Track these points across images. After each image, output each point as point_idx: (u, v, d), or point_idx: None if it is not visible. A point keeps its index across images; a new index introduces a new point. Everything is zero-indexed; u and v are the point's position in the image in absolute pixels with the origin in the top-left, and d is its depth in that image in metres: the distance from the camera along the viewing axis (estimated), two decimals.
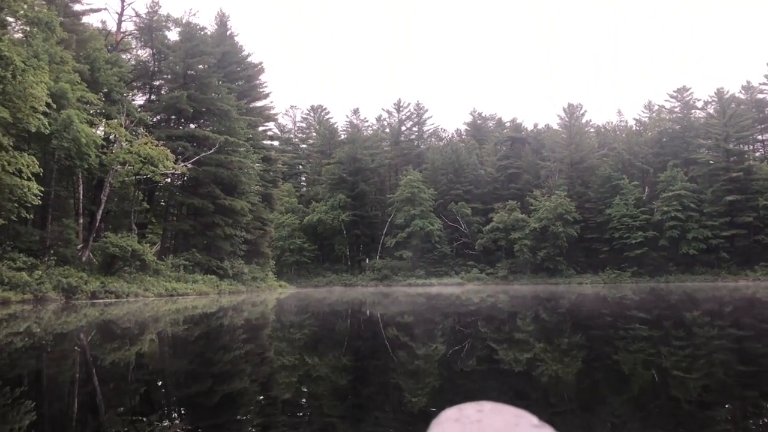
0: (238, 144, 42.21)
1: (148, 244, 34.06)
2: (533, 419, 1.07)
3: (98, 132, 30.72)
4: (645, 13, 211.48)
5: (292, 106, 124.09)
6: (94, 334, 12.14)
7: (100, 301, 25.12)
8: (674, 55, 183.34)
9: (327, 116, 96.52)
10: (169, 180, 40.17)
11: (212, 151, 39.28)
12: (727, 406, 4.98)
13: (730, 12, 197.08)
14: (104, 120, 30.79)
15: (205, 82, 42.24)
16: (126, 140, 31.85)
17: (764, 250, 61.33)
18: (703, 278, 60.01)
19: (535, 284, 61.00)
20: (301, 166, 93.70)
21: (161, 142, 33.59)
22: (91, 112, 29.94)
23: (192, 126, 43.32)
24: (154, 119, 43.05)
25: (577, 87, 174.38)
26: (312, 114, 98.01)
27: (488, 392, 5.52)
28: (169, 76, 44.39)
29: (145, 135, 32.96)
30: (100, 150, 28.80)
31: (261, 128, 56.68)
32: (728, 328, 12.25)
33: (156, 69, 44.48)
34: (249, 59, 55.12)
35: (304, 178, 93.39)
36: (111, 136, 33.03)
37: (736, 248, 63.13)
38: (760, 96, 74.35)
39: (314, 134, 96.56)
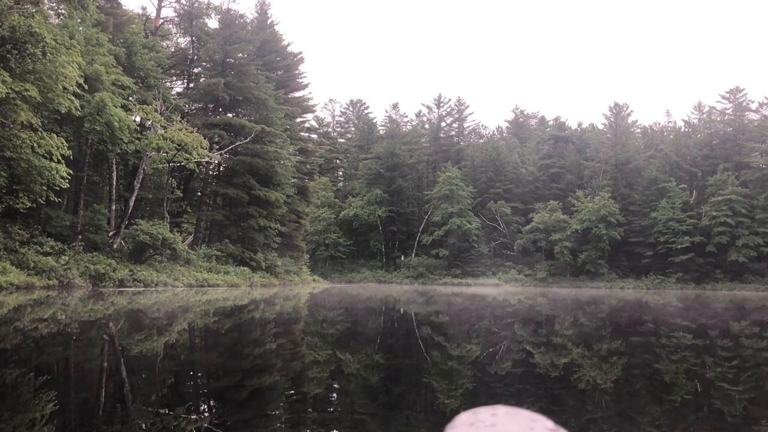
0: (274, 134, 42.06)
1: (180, 234, 34.02)
2: (548, 423, 1.07)
3: (134, 118, 30.64)
4: (695, 11, 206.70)
5: (331, 100, 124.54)
6: (122, 323, 12.13)
7: (128, 289, 25.01)
8: (726, 55, 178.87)
9: (366, 111, 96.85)
10: (203, 168, 40.42)
11: (248, 140, 39.22)
12: None
13: None
14: (138, 105, 30.49)
15: (243, 70, 42.08)
16: (161, 126, 31.82)
17: None
18: (752, 287, 58.51)
19: (575, 288, 60.30)
20: (338, 161, 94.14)
21: (196, 129, 33.55)
22: (126, 96, 29.88)
23: (229, 115, 43.39)
24: (192, 107, 43.42)
25: (624, 86, 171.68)
26: (351, 108, 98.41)
27: (522, 396, 5.48)
28: (208, 64, 44.55)
29: (181, 122, 32.90)
30: (134, 135, 28.83)
31: (299, 119, 56.61)
32: None
33: (195, 56, 44.71)
34: (289, 48, 55.24)
35: (341, 173, 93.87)
36: (146, 122, 33.01)
37: None
38: None
39: (353, 129, 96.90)
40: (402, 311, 20.29)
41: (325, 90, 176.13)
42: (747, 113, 74.64)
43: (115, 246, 29.96)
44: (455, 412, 4.38)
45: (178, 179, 39.41)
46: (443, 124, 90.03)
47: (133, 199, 31.85)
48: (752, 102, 75.61)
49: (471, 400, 5.26)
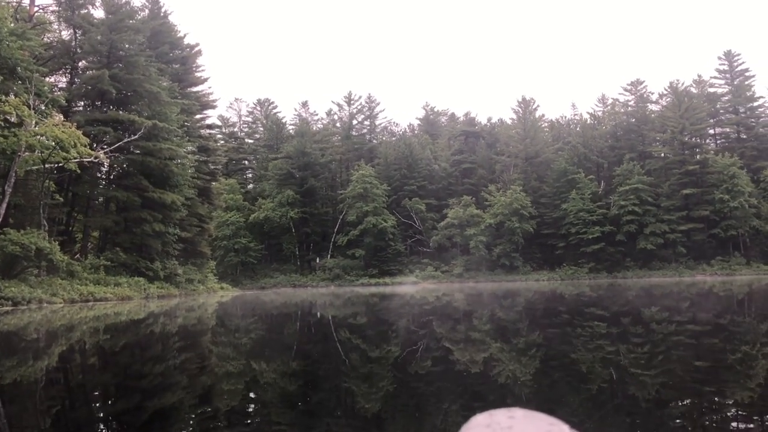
0: (169, 130, 39.21)
1: (59, 243, 30.40)
2: (565, 427, 1.08)
3: None
4: (596, 6, 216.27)
5: (236, 99, 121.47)
6: None
7: None
8: (625, 49, 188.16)
9: (275, 110, 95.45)
10: (91, 170, 37.13)
11: (137, 136, 36.37)
12: (685, 402, 5.11)
13: (678, 5, 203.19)
14: (3, 98, 26.90)
15: (132, 62, 38.93)
16: (34, 122, 28.58)
17: (720, 245, 63.61)
18: (661, 273, 61.74)
19: (491, 282, 61.75)
20: (246, 162, 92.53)
21: (77, 126, 30.47)
22: None
23: (117, 111, 39.59)
24: (75, 103, 40.23)
25: (530, 81, 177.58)
26: (258, 108, 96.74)
27: (444, 394, 5.54)
28: (92, 57, 40.84)
29: (59, 119, 29.84)
30: (1, 134, 25.94)
31: (198, 116, 54.34)
32: (686, 324, 12.63)
33: (78, 49, 40.91)
34: (185, 41, 53.06)
35: (250, 174, 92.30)
36: (10, 118, 29.19)
37: (693, 242, 65.07)
38: (711, 90, 77.03)
39: (261, 129, 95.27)
40: (319, 315, 20.20)
41: (230, 89, 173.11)
42: (648, 104, 78.94)
43: None
44: (377, 416, 4.37)
45: (58, 183, 35.97)
46: (355, 121, 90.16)
47: (4, 206, 28.41)
48: (652, 93, 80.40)
49: (392, 402, 5.28)
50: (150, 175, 38.46)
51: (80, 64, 41.87)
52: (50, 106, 31.92)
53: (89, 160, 31.53)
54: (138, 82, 38.43)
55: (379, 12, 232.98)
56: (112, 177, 41.33)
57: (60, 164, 30.13)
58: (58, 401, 5.89)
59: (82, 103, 41.05)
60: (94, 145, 33.85)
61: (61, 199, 35.53)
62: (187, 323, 17.12)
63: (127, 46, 40.03)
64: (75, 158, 29.73)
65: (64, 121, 29.93)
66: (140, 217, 37.33)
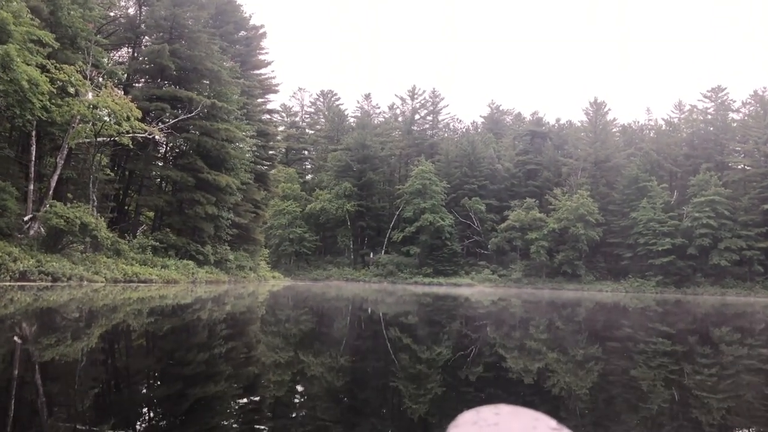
0: (228, 111, 39.20)
1: (104, 219, 29.90)
2: (551, 422, 1.10)
3: (54, 81, 26.59)
4: (675, 10, 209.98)
5: (300, 89, 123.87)
6: (28, 324, 10.58)
7: (32, 284, 21.71)
8: (705, 55, 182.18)
9: (337, 102, 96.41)
10: (146, 146, 36.87)
11: (193, 114, 36.35)
12: (752, 430, 4.92)
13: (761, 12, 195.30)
14: (58, 65, 26.62)
15: (194, 38, 38.58)
16: (89, 93, 28.51)
17: None
18: (734, 292, 59.76)
19: (550, 289, 60.92)
20: (306, 152, 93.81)
21: (132, 100, 30.54)
22: (46, 55, 26.16)
23: (176, 88, 39.50)
24: (137, 80, 40.81)
25: (602, 84, 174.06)
26: (321, 99, 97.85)
27: (494, 402, 5.48)
28: (154, 32, 41.03)
29: (112, 88, 29.84)
30: (52, 101, 25.67)
31: (259, 100, 54.55)
32: (759, 347, 12.17)
33: (142, 24, 41.17)
34: (250, 22, 53.08)
35: (309, 165, 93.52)
36: (68, 88, 28.56)
37: None
38: None
39: (322, 120, 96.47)
40: (370, 311, 20.28)
41: (295, 79, 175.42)
42: (729, 113, 76.30)
43: (32, 233, 26.58)
44: (423, 419, 4.35)
45: (113, 159, 36.88)
46: (417, 116, 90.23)
47: (55, 178, 28.31)
48: (734, 101, 77.46)
49: (439, 406, 5.25)
50: (206, 156, 38.34)
51: (144, 39, 42.08)
52: (107, 78, 31.87)
53: (143, 135, 31.46)
54: (199, 59, 38.27)
55: (449, 8, 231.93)
56: (168, 156, 41.60)
57: (113, 138, 29.84)
58: (96, 383, 5.83)
59: (143, 80, 41.28)
60: (151, 122, 33.88)
61: (112, 174, 35.75)
62: (235, 311, 17.14)
63: (190, 22, 39.77)
64: (128, 132, 29.51)
65: (117, 91, 29.88)
66: (193, 198, 37.22)
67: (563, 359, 8.79)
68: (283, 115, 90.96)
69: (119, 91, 30.87)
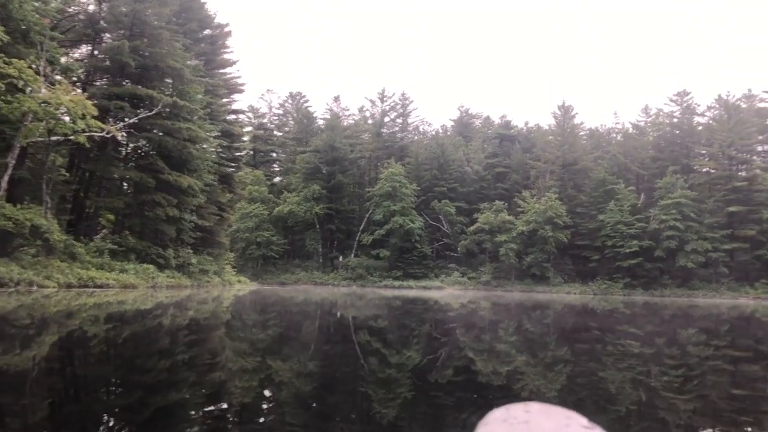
0: (191, 110, 38.11)
1: (56, 221, 28.93)
2: (583, 420, 1.10)
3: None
4: (642, 15, 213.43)
5: (268, 90, 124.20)
6: None
7: None
8: (671, 60, 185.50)
9: (306, 104, 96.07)
10: (105, 146, 35.80)
11: (152, 113, 35.15)
12: (717, 430, 5.01)
13: (728, 18, 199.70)
14: (7, 60, 25.45)
15: (156, 34, 37.52)
16: (42, 89, 27.36)
17: (766, 267, 62.14)
18: (700, 294, 60.71)
19: (519, 291, 61.42)
20: (274, 154, 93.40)
21: (93, 100, 29.29)
22: None
23: (136, 86, 37.91)
24: (97, 78, 39.39)
25: (570, 88, 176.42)
26: (290, 101, 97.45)
27: (464, 406, 5.51)
28: (115, 30, 39.50)
29: (68, 86, 28.71)
30: (1, 97, 24.90)
31: (225, 100, 53.29)
32: (724, 348, 12.40)
33: (100, 19, 39.46)
34: (215, 20, 52.01)
35: (277, 167, 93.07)
36: (18, 83, 27.36)
37: (736, 263, 64.00)
38: (761, 105, 74.91)
39: (291, 122, 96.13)
40: (339, 315, 20.24)
41: (263, 81, 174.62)
42: (694, 117, 77.77)
43: None
44: (392, 423, 4.34)
45: (71, 160, 35.68)
46: (387, 119, 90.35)
47: (6, 178, 26.93)
48: (698, 105, 79.19)
49: (409, 410, 5.26)
50: (168, 157, 37.31)
51: (104, 36, 40.66)
52: (64, 75, 30.83)
53: (100, 134, 30.39)
54: (161, 56, 37.32)
55: (417, 12, 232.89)
56: (130, 157, 40.41)
57: (68, 136, 28.73)
58: (50, 394, 5.60)
59: (105, 78, 39.89)
60: (111, 121, 32.87)
61: (68, 175, 34.64)
62: (199, 316, 16.69)
63: (152, 18, 38.67)
64: (84, 131, 28.44)
65: (71, 88, 28.76)
66: (154, 200, 36.22)
67: (532, 362, 8.86)
68: (251, 116, 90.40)
69: (78, 90, 29.91)
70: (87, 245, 31.47)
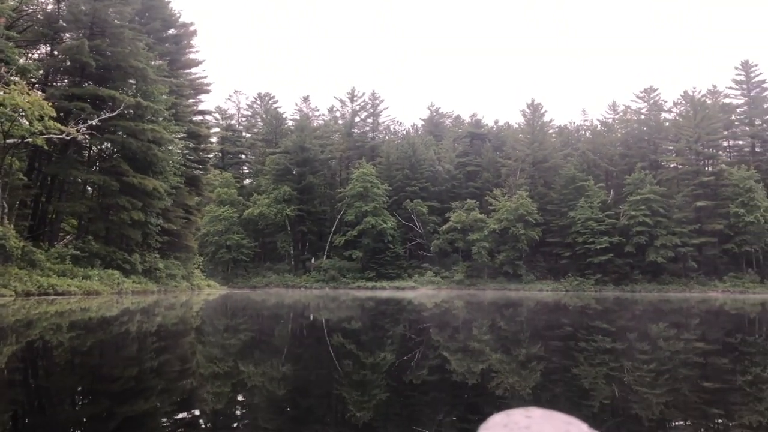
0: (154, 111, 37.29)
1: (17, 227, 28.44)
2: (583, 426, 1.12)
3: None
4: (608, 12, 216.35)
5: (236, 91, 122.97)
6: None
7: None
8: (638, 56, 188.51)
9: (275, 105, 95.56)
10: (67, 149, 35.19)
11: (114, 114, 34.24)
12: (690, 423, 5.09)
13: (694, 13, 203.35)
14: None
15: (117, 33, 36.58)
16: None
17: (733, 261, 63.37)
18: (670, 288, 61.65)
19: (492, 290, 61.74)
20: (243, 156, 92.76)
21: (52, 101, 28.78)
22: None
23: (97, 87, 37.06)
24: (57, 79, 38.74)
25: (539, 86, 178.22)
26: (258, 102, 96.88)
27: (439, 405, 5.52)
28: (74, 30, 38.59)
29: (24, 86, 27.77)
30: None
31: (191, 101, 52.70)
32: (694, 342, 12.60)
33: (59, 18, 38.63)
34: (180, 19, 51.14)
35: (246, 169, 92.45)
36: None
37: (704, 257, 65.07)
38: (726, 101, 76.50)
39: (260, 123, 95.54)
40: (311, 318, 20.17)
41: (230, 83, 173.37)
42: (661, 113, 79.07)
43: None
44: (368, 425, 4.33)
45: (30, 163, 34.95)
46: (357, 119, 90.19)
47: None
48: (665, 102, 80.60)
49: (384, 412, 5.25)
50: (132, 159, 36.55)
51: (64, 36, 39.66)
52: (19, 75, 29.80)
53: (60, 136, 29.77)
54: (122, 56, 36.44)
55: (386, 10, 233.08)
56: (92, 159, 39.57)
57: (24, 139, 28.10)
58: (11, 406, 5.37)
59: (65, 79, 39.24)
60: (72, 123, 32.01)
61: (27, 179, 33.80)
62: (167, 322, 16.32)
63: (113, 17, 37.81)
64: (42, 133, 27.75)
65: (27, 88, 27.89)
66: (118, 204, 35.45)
67: (506, 360, 8.92)
68: (218, 117, 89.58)
69: (36, 91, 29.10)
70: (48, 251, 30.73)
